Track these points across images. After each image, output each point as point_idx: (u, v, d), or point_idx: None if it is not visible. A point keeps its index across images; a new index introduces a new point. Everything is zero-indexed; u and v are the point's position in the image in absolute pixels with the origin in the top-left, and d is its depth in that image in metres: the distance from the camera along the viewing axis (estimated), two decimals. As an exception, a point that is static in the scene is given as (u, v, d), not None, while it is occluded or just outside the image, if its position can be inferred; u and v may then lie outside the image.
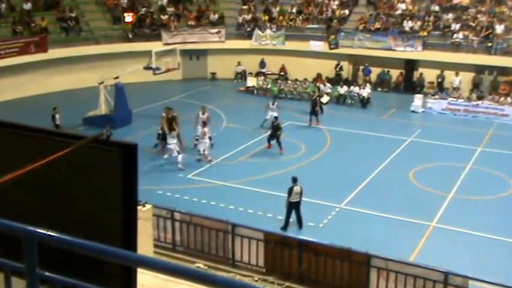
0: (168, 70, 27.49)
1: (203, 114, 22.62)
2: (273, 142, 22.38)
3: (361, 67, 33.44)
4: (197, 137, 21.77)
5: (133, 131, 24.15)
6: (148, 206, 10.40)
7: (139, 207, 7.77)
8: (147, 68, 26.50)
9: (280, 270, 12.61)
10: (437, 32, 32.19)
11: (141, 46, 30.60)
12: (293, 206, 15.98)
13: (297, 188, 15.86)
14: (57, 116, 22.37)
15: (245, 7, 36.49)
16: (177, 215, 13.50)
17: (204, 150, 20.96)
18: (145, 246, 8.00)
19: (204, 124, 21.62)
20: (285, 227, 15.86)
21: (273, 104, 24.96)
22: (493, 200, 18.42)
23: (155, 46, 28.82)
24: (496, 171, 20.62)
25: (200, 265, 12.60)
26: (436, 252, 14.75)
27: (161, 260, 2.37)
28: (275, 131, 22.24)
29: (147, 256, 2.46)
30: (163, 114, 21.81)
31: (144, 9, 34.84)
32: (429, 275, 11.08)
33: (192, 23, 35.04)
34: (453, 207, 17.78)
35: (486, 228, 16.18)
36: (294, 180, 15.98)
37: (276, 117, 22.97)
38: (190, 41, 33.77)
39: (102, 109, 25.52)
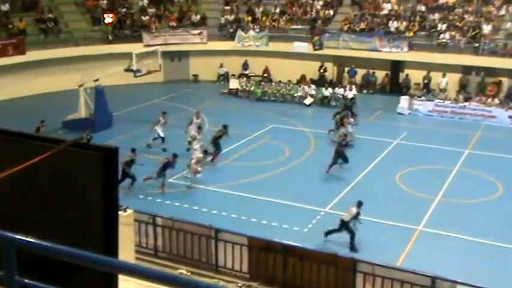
0: (149, 72, 27.02)
1: (197, 119, 22.22)
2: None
3: (347, 69, 33.06)
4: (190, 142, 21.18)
5: (114, 134, 23.78)
6: (129, 211, 10.52)
7: (120, 213, 7.90)
8: (128, 70, 25.99)
9: (264, 276, 12.59)
10: (423, 33, 31.92)
11: (122, 48, 30.05)
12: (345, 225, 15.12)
13: (352, 209, 15.08)
14: (41, 130, 21.68)
15: (227, 8, 36.01)
16: (159, 220, 13.48)
17: (194, 161, 19.36)
18: (126, 252, 8.00)
19: (199, 129, 21.20)
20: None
21: (351, 117, 24.07)
22: (481, 203, 18.13)
23: (136, 48, 28.27)
24: (483, 174, 20.32)
25: (183, 271, 12.57)
26: (423, 257, 14.57)
27: (143, 266, 2.37)
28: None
29: (129, 262, 2.47)
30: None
31: (124, 10, 34.21)
32: (416, 280, 11.13)
33: (174, 24, 34.48)
34: (440, 211, 17.53)
35: (474, 232, 15.97)
36: (359, 204, 15.20)
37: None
38: (171, 42, 33.19)
39: (82, 112, 25.18)
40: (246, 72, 33.86)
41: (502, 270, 14.09)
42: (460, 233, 15.91)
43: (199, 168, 19.26)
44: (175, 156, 18.71)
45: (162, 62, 28.31)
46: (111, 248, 3.18)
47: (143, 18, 34.15)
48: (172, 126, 23.41)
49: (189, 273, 12.51)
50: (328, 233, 15.11)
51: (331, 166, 20.03)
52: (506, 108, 27.40)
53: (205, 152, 20.19)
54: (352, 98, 29.33)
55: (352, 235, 14.86)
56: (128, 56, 26.21)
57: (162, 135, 22.52)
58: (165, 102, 29.29)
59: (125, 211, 10.54)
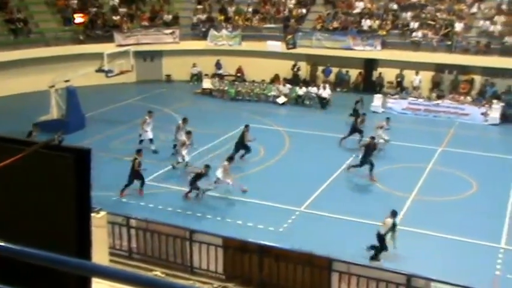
0: (121, 72, 26.64)
1: (184, 123, 21.47)
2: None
3: (321, 68, 33.07)
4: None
5: (87, 135, 23.45)
6: (102, 213, 10.32)
7: (93, 215, 7.79)
8: (100, 70, 25.59)
9: (240, 277, 12.44)
10: (396, 31, 32.08)
11: (93, 48, 29.57)
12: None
13: (388, 221, 14.37)
14: (34, 134, 20.46)
15: (200, 7, 35.74)
16: (133, 222, 13.31)
17: (222, 176, 17.89)
18: (100, 255, 7.85)
19: (189, 134, 20.29)
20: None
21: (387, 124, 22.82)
22: (455, 201, 18.21)
23: (108, 48, 27.83)
24: (457, 171, 20.43)
25: (158, 273, 12.43)
26: (398, 255, 14.49)
27: (116, 268, 2.31)
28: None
29: (102, 265, 2.43)
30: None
31: (95, 9, 33.68)
32: (392, 278, 11.10)
33: (146, 23, 34.08)
34: (415, 209, 17.51)
35: (449, 229, 15.98)
36: (393, 214, 14.49)
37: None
38: (144, 42, 32.84)
39: (54, 113, 24.75)
40: (220, 71, 33.63)
41: (476, 266, 14.12)
42: (435, 231, 15.94)
43: (229, 180, 17.94)
44: (207, 167, 17.69)
45: (135, 62, 27.94)
46: (84, 250, 3.15)
47: (114, 18, 33.67)
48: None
49: (164, 275, 12.36)
50: (373, 257, 14.24)
51: (371, 172, 19.36)
52: (479, 105, 27.67)
53: (230, 159, 18.55)
54: (325, 98, 29.35)
55: (383, 248, 14.23)
56: (99, 56, 25.81)
57: (150, 136, 21.82)
58: (139, 103, 28.93)
59: (98, 213, 10.32)
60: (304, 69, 33.30)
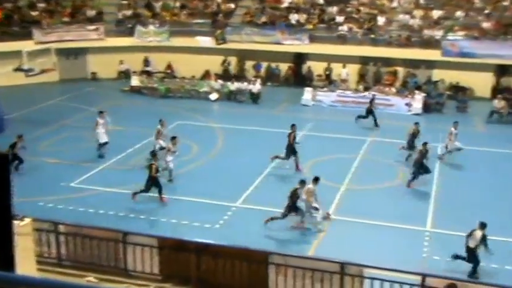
0: (43, 71, 25.43)
1: (162, 127, 20.38)
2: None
3: (251, 62, 33.10)
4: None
5: (8, 139, 22.05)
6: (27, 220, 9.80)
7: (16, 222, 7.53)
8: (19, 69, 24.36)
9: (177, 276, 12.12)
10: (323, 25, 32.58)
11: (10, 46, 28.11)
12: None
13: (477, 233, 13.47)
14: (19, 145, 19.30)
15: (125, 2, 34.85)
16: (61, 227, 12.66)
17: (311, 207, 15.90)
18: (26, 264, 7.61)
19: (174, 139, 18.80)
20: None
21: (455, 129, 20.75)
22: (384, 188, 18.70)
23: (26, 45, 26.61)
24: (386, 160, 21.00)
25: (90, 278, 11.89)
26: (334, 244, 14.78)
27: (44, 278, 2.28)
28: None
29: (28, 275, 2.35)
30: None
31: (10, 4, 32.01)
32: (326, 267, 11.21)
33: (67, 19, 32.72)
34: (347, 198, 17.86)
35: (379, 216, 16.39)
36: (482, 226, 13.42)
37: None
38: (66, 39, 31.54)
39: (-31, 117, 23.19)
40: (148, 68, 32.93)
41: (405, 250, 14.58)
42: (366, 218, 16.30)
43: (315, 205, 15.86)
44: (302, 182, 15.93)
45: (57, 60, 26.84)
46: (7, 260, 3.06)
47: (33, 13, 32.14)
48: (72, 127, 22.19)
49: (97, 280, 11.91)
50: (472, 274, 13.47)
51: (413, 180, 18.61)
52: (403, 96, 28.60)
53: (315, 180, 16.13)
54: (255, 93, 29.40)
55: (477, 264, 13.48)
56: (18, 54, 24.59)
57: (104, 140, 20.55)
58: (63, 103, 27.87)
59: (22, 220, 9.77)
60: (235, 64, 33.20)
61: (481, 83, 29.51)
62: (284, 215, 15.48)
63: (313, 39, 31.88)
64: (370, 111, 25.21)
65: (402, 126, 25.65)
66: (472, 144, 21.86)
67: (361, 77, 31.39)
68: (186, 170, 19.81)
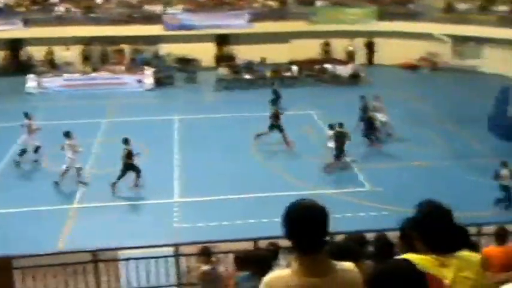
0: None
1: (70, 139, 17.29)
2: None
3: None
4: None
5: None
6: None
7: None
8: None
9: None
10: (38, 7, 30.44)
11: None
12: None
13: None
14: None
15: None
16: None
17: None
18: None
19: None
20: None
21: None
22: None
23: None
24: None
25: None
26: (85, 234, 14.14)
27: None
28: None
29: None
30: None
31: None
32: (78, 259, 10.51)
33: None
34: (95, 183, 17.25)
35: (126, 197, 16.48)
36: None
37: None
38: None
39: None
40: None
41: (158, 224, 14.78)
42: (115, 201, 16.20)
43: None
44: None
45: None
46: None
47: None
48: None
49: None
50: (500, 200, 15.41)
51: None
52: (133, 73, 28.55)
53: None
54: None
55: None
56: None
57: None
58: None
59: None
60: None
61: (205, 53, 30.97)
62: None
63: (28, 22, 29.59)
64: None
65: (136, 103, 25.83)
66: (204, 112, 22.97)
67: (87, 58, 30.38)
68: None
